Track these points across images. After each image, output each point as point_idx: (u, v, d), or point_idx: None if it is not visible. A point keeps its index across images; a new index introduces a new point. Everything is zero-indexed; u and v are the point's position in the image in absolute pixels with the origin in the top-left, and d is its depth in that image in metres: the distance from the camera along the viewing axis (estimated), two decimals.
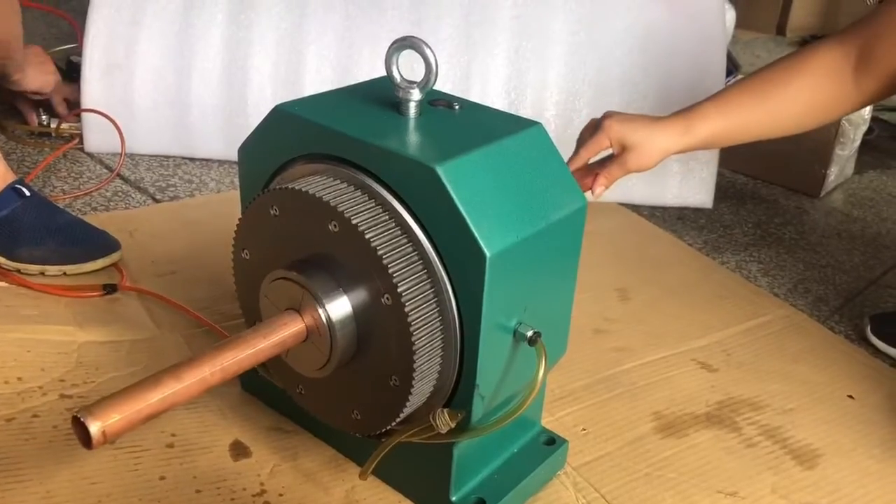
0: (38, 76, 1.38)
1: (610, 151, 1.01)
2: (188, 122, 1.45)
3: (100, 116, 1.42)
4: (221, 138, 1.44)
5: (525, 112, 1.44)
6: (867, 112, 1.66)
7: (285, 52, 1.43)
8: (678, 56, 1.46)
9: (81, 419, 0.53)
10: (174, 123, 1.45)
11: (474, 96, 1.43)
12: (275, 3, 1.44)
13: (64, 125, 1.46)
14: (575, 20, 1.45)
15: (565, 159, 1.00)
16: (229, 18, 1.43)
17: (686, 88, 1.36)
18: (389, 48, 0.68)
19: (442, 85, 1.41)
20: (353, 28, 1.44)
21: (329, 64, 1.43)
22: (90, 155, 1.45)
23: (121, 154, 1.41)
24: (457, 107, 0.73)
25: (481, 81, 1.45)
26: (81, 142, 1.46)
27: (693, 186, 1.49)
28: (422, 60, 0.67)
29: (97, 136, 1.45)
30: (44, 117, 1.48)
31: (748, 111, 1.01)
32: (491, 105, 1.41)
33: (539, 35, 1.45)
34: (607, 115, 1.00)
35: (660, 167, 1.44)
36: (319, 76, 1.42)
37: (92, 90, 1.43)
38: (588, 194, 0.90)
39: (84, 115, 1.43)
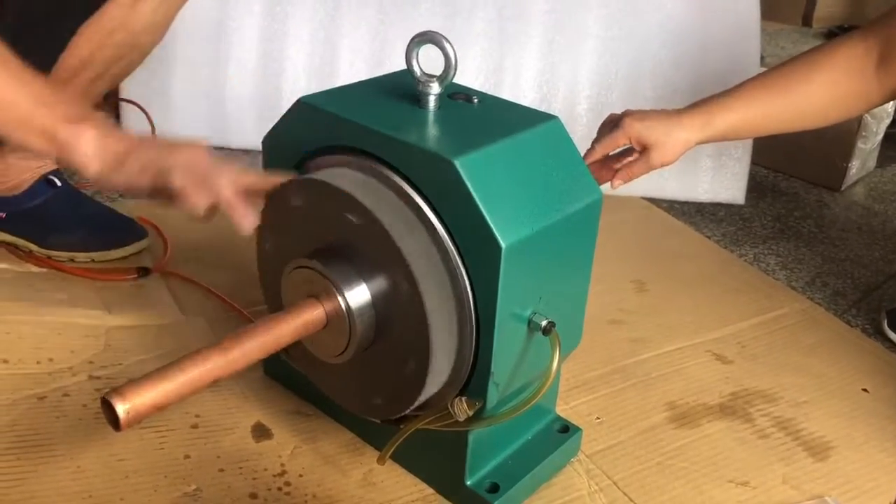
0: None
1: (626, 146, 1.02)
2: (223, 112, 1.48)
3: (136, 107, 1.45)
4: (256, 129, 1.45)
5: (557, 106, 1.45)
6: (891, 105, 1.65)
7: (320, 45, 1.45)
8: (711, 49, 1.46)
9: (110, 401, 0.55)
10: (209, 114, 1.48)
11: (507, 90, 1.44)
12: None
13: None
14: (608, 14, 1.46)
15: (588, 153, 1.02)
16: (265, 10, 1.45)
17: (718, 82, 1.34)
18: (410, 43, 0.70)
19: (474, 78, 1.43)
20: (386, 22, 1.45)
21: (362, 57, 1.45)
22: None
23: None
24: (475, 100, 0.75)
25: (514, 75, 1.45)
26: None
27: (725, 182, 1.49)
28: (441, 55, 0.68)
29: (134, 127, 1.48)
30: None
31: (770, 104, 1.02)
32: (523, 99, 1.43)
33: (572, 29, 1.45)
34: (627, 114, 1.01)
35: (692, 163, 1.45)
36: (353, 69, 1.44)
37: (129, 81, 1.46)
38: (605, 186, 0.91)
39: (122, 105, 1.46)
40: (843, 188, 1.61)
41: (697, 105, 1.03)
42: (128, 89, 1.45)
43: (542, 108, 1.38)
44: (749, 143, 1.47)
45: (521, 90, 1.45)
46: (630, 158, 1.02)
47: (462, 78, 0.71)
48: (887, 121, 1.65)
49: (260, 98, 1.46)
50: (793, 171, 1.65)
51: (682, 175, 1.46)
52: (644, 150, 1.00)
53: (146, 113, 1.43)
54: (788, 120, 1.04)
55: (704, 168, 1.48)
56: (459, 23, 1.44)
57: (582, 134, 1.42)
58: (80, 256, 1.07)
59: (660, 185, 1.47)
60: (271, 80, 1.46)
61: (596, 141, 1.02)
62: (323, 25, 1.46)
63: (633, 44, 1.46)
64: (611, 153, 1.03)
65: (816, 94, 1.02)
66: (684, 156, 1.05)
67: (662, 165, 1.02)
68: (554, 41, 1.45)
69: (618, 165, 1.02)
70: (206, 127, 1.49)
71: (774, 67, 1.05)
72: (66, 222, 1.07)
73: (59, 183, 1.09)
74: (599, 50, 1.45)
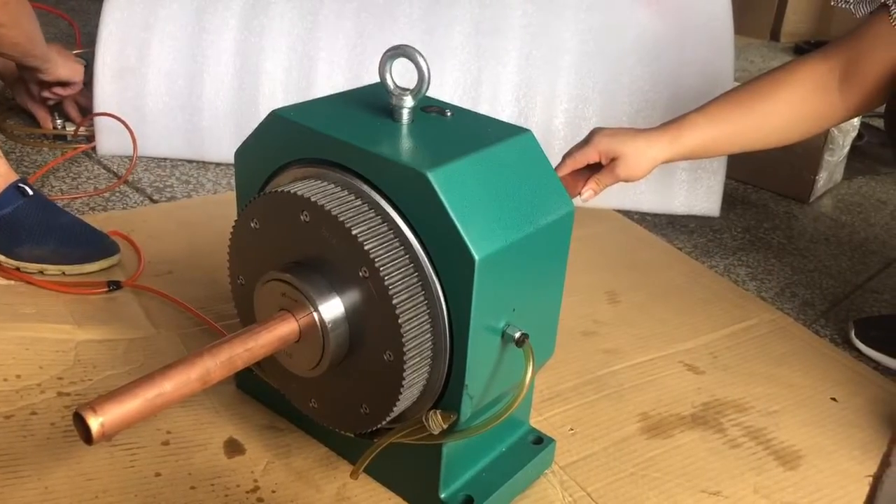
0: (66, 64, 1.40)
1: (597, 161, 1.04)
2: (199, 126, 1.47)
3: (112, 119, 1.43)
4: (232, 143, 1.45)
5: (535, 120, 1.45)
6: (857, 119, 1.68)
7: (297, 59, 1.45)
8: (687, 65, 1.48)
9: (82, 415, 0.55)
10: (185, 127, 1.47)
11: (484, 104, 1.45)
12: (287, 10, 1.46)
13: (81, 129, 1.48)
14: (585, 29, 1.47)
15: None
16: (242, 24, 1.45)
17: (694, 97, 1.36)
18: (383, 56, 0.70)
19: (452, 92, 1.44)
20: (364, 35, 1.45)
21: (340, 71, 1.45)
22: (88, 155, 1.47)
23: (133, 158, 1.43)
24: (448, 113, 0.75)
25: (492, 89, 1.46)
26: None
27: (700, 195, 1.50)
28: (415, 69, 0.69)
29: (109, 140, 1.46)
30: (59, 121, 1.50)
31: (735, 122, 1.04)
32: (501, 113, 1.44)
33: (549, 44, 1.46)
34: (595, 131, 1.03)
35: (667, 176, 1.47)
36: (330, 82, 1.44)
37: (104, 93, 1.45)
38: (577, 199, 0.92)
39: (97, 118, 1.45)
40: (811, 200, 1.63)
41: (667, 123, 1.05)
42: (104, 102, 1.44)
43: (520, 122, 1.40)
44: (724, 156, 1.49)
45: (498, 104, 1.46)
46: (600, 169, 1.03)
47: (440, 92, 0.72)
48: (853, 134, 1.68)
49: (236, 112, 1.46)
50: (762, 184, 1.68)
51: (658, 188, 1.48)
52: (611, 162, 1.01)
53: (128, 127, 1.42)
54: (753, 138, 1.06)
55: (680, 181, 1.50)
56: (437, 37, 1.45)
57: (559, 147, 1.43)
58: (51, 269, 1.05)
59: (635, 199, 1.48)
60: (248, 94, 1.45)
61: (567, 156, 1.04)
62: (301, 39, 1.45)
63: (610, 59, 1.47)
64: (580, 168, 1.05)
65: (779, 113, 1.03)
66: (660, 169, 1.07)
67: (628, 179, 1.03)
68: (531, 56, 1.46)
69: (587, 176, 1.03)
70: (182, 140, 1.48)
71: (741, 85, 1.07)
72: (37, 233, 1.06)
73: (30, 192, 1.07)
74: (577, 65, 1.47)
